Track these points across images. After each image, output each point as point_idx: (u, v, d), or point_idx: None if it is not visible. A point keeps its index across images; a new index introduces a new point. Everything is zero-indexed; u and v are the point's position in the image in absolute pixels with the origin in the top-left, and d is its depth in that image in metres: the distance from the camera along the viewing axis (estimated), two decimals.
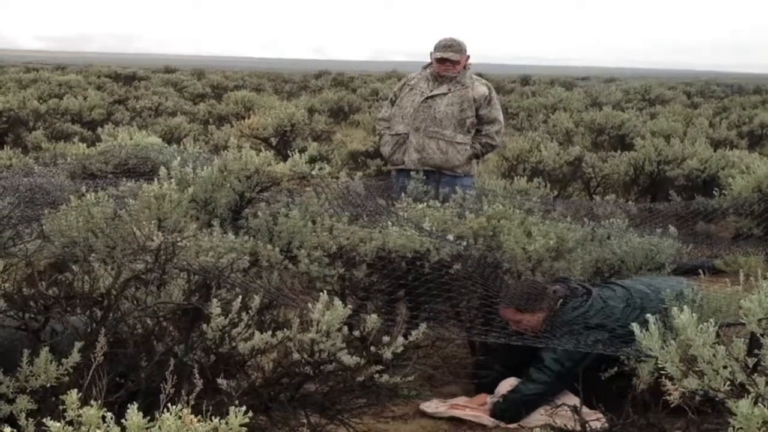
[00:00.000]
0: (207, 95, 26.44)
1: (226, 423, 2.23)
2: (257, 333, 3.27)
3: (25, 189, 5.79)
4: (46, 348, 2.94)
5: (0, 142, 13.46)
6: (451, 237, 4.78)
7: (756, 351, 2.94)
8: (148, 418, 2.18)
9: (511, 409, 4.35)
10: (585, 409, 4.04)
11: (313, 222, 4.87)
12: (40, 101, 17.18)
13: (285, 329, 3.34)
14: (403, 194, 6.07)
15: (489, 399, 4.49)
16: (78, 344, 2.94)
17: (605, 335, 4.26)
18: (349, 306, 3.38)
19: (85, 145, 8.63)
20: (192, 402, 2.49)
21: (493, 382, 4.58)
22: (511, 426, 4.34)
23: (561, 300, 4.49)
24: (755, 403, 2.69)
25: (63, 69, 36.61)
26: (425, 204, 5.28)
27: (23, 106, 15.75)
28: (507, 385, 4.48)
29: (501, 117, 7.11)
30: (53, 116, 16.28)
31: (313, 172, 5.36)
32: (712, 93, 34.80)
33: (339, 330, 3.30)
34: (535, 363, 4.38)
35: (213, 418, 2.23)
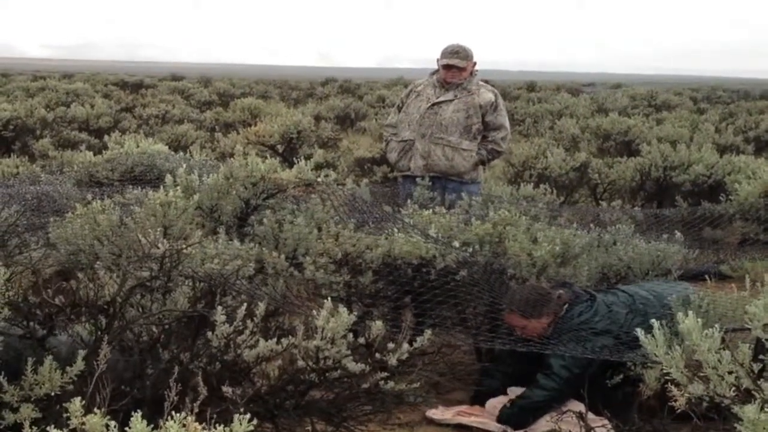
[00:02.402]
0: (214, 103, 26.52)
1: (231, 430, 2.23)
2: (262, 340, 3.28)
3: (32, 197, 5.79)
4: (51, 356, 2.94)
5: (7, 150, 13.50)
6: (456, 243, 4.77)
7: (761, 356, 2.93)
8: (152, 426, 2.18)
9: (518, 415, 4.33)
10: (591, 416, 4.03)
11: (319, 229, 4.88)
12: (47, 109, 17.24)
13: (290, 336, 3.34)
14: (409, 201, 6.07)
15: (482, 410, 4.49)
16: (82, 352, 2.95)
17: (611, 341, 4.24)
18: (355, 313, 3.39)
19: (91, 153, 8.63)
20: (196, 410, 2.49)
21: (495, 391, 4.56)
22: None
23: (566, 305, 4.46)
24: (762, 408, 2.68)
25: (70, 77, 36.73)
26: (431, 210, 5.27)
27: (30, 115, 15.80)
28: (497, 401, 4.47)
29: (507, 123, 7.11)
30: (60, 124, 16.35)
31: (319, 179, 5.36)
32: (719, 98, 34.77)
33: (344, 337, 3.31)
34: (543, 369, 4.36)
35: (217, 425, 2.23)
